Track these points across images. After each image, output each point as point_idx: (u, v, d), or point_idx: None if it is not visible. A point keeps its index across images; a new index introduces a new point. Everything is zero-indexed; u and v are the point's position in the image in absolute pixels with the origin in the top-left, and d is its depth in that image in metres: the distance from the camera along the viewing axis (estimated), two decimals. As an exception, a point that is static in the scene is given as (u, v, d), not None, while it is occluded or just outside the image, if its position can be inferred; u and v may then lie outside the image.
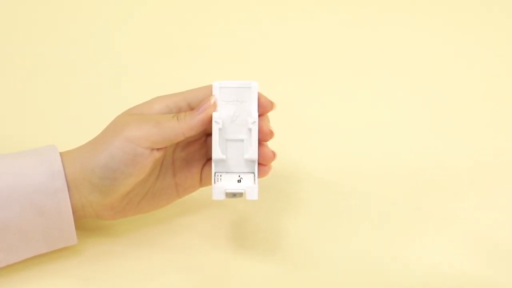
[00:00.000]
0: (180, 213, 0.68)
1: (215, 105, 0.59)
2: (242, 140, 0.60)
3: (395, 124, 0.79)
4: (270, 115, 0.61)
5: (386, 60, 0.89)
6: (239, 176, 0.60)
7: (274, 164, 0.62)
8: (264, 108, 0.60)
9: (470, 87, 0.86)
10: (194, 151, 0.64)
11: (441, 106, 0.84)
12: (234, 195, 0.59)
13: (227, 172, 0.60)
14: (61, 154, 0.59)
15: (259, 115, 0.60)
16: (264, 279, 0.63)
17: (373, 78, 0.86)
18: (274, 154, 0.61)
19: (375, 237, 0.67)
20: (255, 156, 0.60)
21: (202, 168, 0.64)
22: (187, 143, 0.63)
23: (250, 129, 0.59)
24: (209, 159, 0.63)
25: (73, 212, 0.59)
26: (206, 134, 0.63)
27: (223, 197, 0.59)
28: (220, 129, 0.59)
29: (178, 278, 0.62)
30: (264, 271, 0.63)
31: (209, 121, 0.59)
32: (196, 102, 0.60)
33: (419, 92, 0.85)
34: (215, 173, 0.60)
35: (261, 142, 0.60)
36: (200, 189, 0.65)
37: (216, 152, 0.59)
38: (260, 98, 0.60)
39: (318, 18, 0.94)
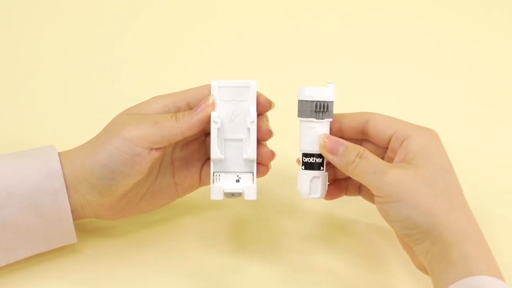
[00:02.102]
0: (179, 214, 0.68)
1: (213, 104, 0.59)
2: (241, 140, 0.60)
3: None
4: (269, 114, 0.61)
5: (387, 60, 0.89)
6: (238, 176, 0.60)
7: (273, 163, 0.62)
8: (263, 107, 0.60)
9: (470, 88, 0.86)
10: (193, 151, 0.63)
11: (441, 106, 0.84)
12: (232, 195, 0.59)
13: (225, 172, 0.60)
14: (60, 154, 0.59)
15: (258, 115, 0.60)
16: (263, 281, 0.63)
17: (374, 78, 0.86)
18: (273, 154, 0.61)
19: (376, 238, 0.67)
20: (254, 155, 0.59)
21: (201, 168, 0.63)
22: (186, 142, 0.63)
23: (249, 129, 0.59)
24: (208, 159, 0.63)
25: (72, 212, 0.59)
26: (205, 134, 0.63)
27: (221, 197, 0.59)
28: (218, 129, 0.59)
29: (176, 279, 0.62)
30: (263, 273, 0.63)
31: (208, 120, 0.59)
32: (195, 102, 0.60)
33: (419, 94, 0.85)
34: (213, 172, 0.60)
35: (260, 141, 0.60)
36: (200, 189, 0.65)
37: (215, 152, 0.59)
38: (259, 97, 0.60)
39: (318, 18, 0.94)
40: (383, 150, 0.60)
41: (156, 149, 0.58)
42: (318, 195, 0.59)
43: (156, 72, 0.85)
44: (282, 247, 0.66)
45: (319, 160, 0.58)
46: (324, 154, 0.58)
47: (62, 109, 0.81)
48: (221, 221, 0.68)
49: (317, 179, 0.59)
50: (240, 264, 0.64)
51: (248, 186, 0.59)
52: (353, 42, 0.91)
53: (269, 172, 0.61)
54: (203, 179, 0.64)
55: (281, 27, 0.92)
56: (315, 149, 0.58)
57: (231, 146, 0.60)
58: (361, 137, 0.60)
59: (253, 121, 0.59)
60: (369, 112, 0.60)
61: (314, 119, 0.58)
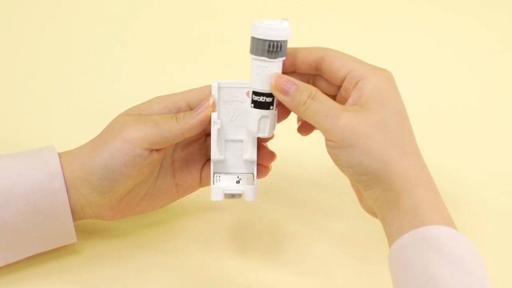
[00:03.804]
0: (179, 215, 0.68)
1: (214, 105, 0.59)
2: (241, 141, 0.60)
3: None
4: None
5: (387, 60, 0.89)
6: (238, 176, 0.60)
7: (273, 165, 0.62)
8: None
9: (470, 88, 0.86)
10: (193, 151, 0.63)
11: (440, 106, 0.84)
12: (232, 196, 0.59)
13: (226, 173, 0.60)
14: (60, 154, 0.59)
15: (259, 116, 0.60)
16: (262, 282, 0.63)
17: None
18: (273, 155, 0.61)
19: (376, 239, 0.67)
20: (254, 156, 0.59)
21: (202, 168, 0.63)
22: (187, 143, 0.63)
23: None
24: (208, 159, 0.63)
25: (72, 213, 0.58)
26: (205, 134, 0.63)
27: (221, 198, 0.59)
28: (219, 130, 0.59)
29: (177, 280, 0.62)
30: (263, 274, 0.63)
31: (208, 121, 0.58)
32: (196, 102, 0.59)
33: (419, 93, 0.85)
34: (214, 173, 0.60)
35: (260, 142, 0.60)
36: (200, 190, 0.65)
37: (215, 153, 0.59)
38: (259, 98, 0.60)
39: (318, 18, 0.94)
40: (337, 88, 0.58)
41: (157, 150, 0.58)
42: (266, 134, 0.58)
43: (156, 72, 0.85)
44: (282, 248, 0.66)
45: (269, 99, 0.57)
46: (275, 94, 0.56)
47: (62, 109, 0.81)
48: (221, 222, 0.68)
49: (266, 119, 0.57)
50: (240, 265, 0.64)
51: (248, 187, 0.59)
52: (353, 42, 0.90)
53: (269, 173, 0.61)
54: (204, 180, 0.64)
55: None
56: (265, 89, 0.56)
57: (231, 147, 0.60)
58: (315, 73, 0.58)
59: None
60: (325, 47, 0.58)
61: (267, 58, 0.56)
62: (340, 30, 0.92)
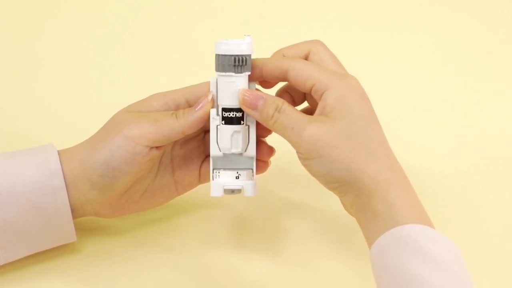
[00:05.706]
0: (178, 212, 0.68)
1: (213, 101, 0.59)
2: None
3: (394, 125, 0.78)
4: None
5: (386, 60, 0.89)
6: (237, 172, 0.60)
7: (272, 160, 0.62)
8: None
9: (470, 88, 0.86)
10: (192, 148, 0.63)
11: (441, 106, 0.84)
12: (232, 191, 0.59)
13: (225, 169, 0.60)
14: (60, 152, 0.59)
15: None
16: (262, 279, 0.63)
17: (373, 78, 0.86)
18: (272, 150, 0.61)
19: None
20: (253, 152, 0.59)
21: (201, 165, 0.63)
22: (186, 140, 0.63)
23: (248, 125, 0.59)
24: (207, 156, 0.63)
25: (72, 211, 0.59)
26: (204, 131, 0.63)
27: (221, 193, 0.59)
28: (218, 126, 0.59)
29: (176, 277, 0.62)
30: (263, 271, 0.63)
31: (208, 117, 0.59)
32: (194, 99, 0.60)
33: (419, 93, 0.84)
34: (213, 169, 0.60)
35: (259, 138, 0.60)
36: (199, 187, 0.64)
37: (214, 149, 0.59)
38: (258, 94, 0.60)
39: (318, 18, 0.94)
40: (308, 94, 0.59)
41: (157, 147, 0.58)
42: (239, 150, 0.59)
43: (156, 72, 0.85)
44: (281, 245, 0.66)
45: (239, 114, 0.58)
46: (244, 109, 0.57)
47: (62, 109, 0.81)
48: (221, 218, 0.68)
49: (238, 134, 0.58)
50: (240, 261, 0.64)
51: (248, 182, 0.59)
52: (353, 42, 0.90)
53: (269, 169, 0.62)
54: (203, 177, 0.64)
55: (281, 28, 0.92)
56: (234, 104, 0.57)
57: None
58: (283, 81, 0.60)
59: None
60: (289, 59, 0.59)
61: (233, 74, 0.57)
62: (340, 30, 0.92)
